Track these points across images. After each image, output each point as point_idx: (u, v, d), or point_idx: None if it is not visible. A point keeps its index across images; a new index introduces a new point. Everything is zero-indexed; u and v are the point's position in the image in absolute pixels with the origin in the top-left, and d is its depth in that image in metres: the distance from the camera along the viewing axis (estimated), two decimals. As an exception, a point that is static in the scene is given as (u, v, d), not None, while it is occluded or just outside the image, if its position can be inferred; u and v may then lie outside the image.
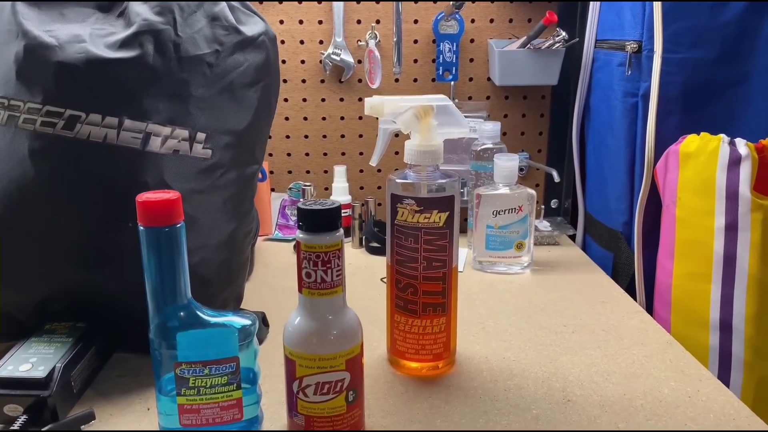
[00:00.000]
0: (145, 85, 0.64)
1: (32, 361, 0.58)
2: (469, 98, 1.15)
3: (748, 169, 0.76)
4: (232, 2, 0.73)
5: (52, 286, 0.66)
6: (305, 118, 1.16)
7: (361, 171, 1.20)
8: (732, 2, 0.83)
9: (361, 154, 1.19)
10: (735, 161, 0.77)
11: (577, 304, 0.84)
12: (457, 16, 1.09)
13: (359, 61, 1.13)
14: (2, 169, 0.64)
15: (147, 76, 0.64)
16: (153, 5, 0.67)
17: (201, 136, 0.67)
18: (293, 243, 1.07)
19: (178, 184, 0.65)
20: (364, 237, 1.08)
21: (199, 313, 0.52)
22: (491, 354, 0.71)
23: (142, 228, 0.49)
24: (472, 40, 1.13)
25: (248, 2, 0.76)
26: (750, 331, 0.77)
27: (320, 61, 1.13)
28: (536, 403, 0.61)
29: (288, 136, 1.17)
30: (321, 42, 1.13)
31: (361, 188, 1.20)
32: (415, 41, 1.13)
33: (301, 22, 1.12)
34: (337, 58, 1.11)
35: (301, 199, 1.11)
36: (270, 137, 1.06)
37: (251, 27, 0.73)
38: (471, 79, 1.15)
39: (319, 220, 0.50)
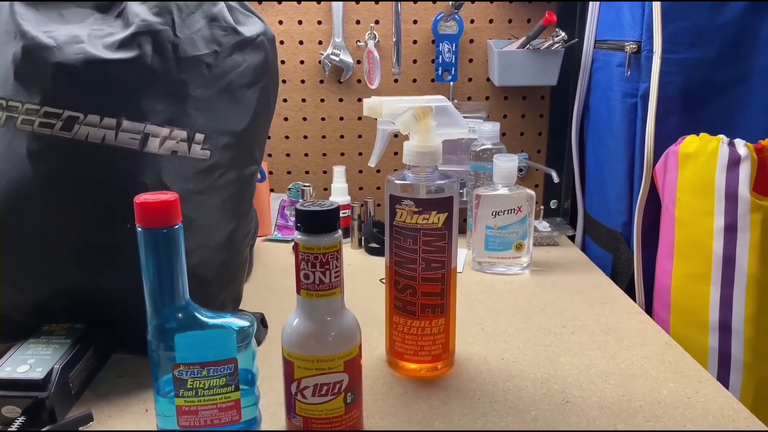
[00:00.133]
0: (143, 85, 0.64)
1: (30, 362, 0.58)
2: (469, 99, 1.15)
3: (747, 169, 0.76)
4: (231, 3, 0.73)
5: (51, 286, 0.66)
6: (304, 119, 1.16)
7: (360, 171, 1.19)
8: (731, 2, 0.83)
9: (360, 154, 1.19)
10: (734, 162, 0.77)
11: (577, 305, 0.84)
12: (456, 16, 1.09)
13: (358, 62, 1.13)
14: (1, 169, 0.63)
15: (145, 76, 0.64)
16: (151, 6, 0.67)
17: (199, 136, 0.67)
18: (292, 244, 1.07)
19: (177, 184, 0.65)
20: (363, 238, 1.08)
21: (197, 314, 0.52)
22: (490, 355, 0.71)
23: (140, 229, 0.49)
24: (471, 41, 1.13)
25: (247, 3, 0.76)
26: (749, 332, 0.77)
27: (319, 62, 1.13)
28: (535, 405, 0.61)
29: (287, 137, 1.17)
30: (320, 42, 1.12)
31: (360, 189, 1.20)
32: (415, 42, 1.13)
33: (300, 22, 1.12)
34: (336, 59, 1.11)
35: (300, 200, 1.11)
36: (269, 138, 1.05)
37: (250, 27, 0.73)
38: (470, 80, 1.15)
39: (317, 222, 0.50)
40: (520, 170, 1.11)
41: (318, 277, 0.51)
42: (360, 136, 1.18)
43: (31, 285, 0.66)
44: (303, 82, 1.14)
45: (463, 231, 1.06)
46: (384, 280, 0.68)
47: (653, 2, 0.85)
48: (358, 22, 1.11)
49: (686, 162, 0.81)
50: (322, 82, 1.14)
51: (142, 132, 0.64)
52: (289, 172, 1.19)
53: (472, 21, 1.12)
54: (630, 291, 0.92)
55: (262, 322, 0.75)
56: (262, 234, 1.09)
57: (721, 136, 0.79)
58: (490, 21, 1.12)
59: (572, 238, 1.14)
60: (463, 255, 1.01)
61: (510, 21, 1.12)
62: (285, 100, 1.15)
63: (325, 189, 1.17)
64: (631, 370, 0.67)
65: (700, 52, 0.85)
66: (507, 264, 0.96)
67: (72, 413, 0.59)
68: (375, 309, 0.76)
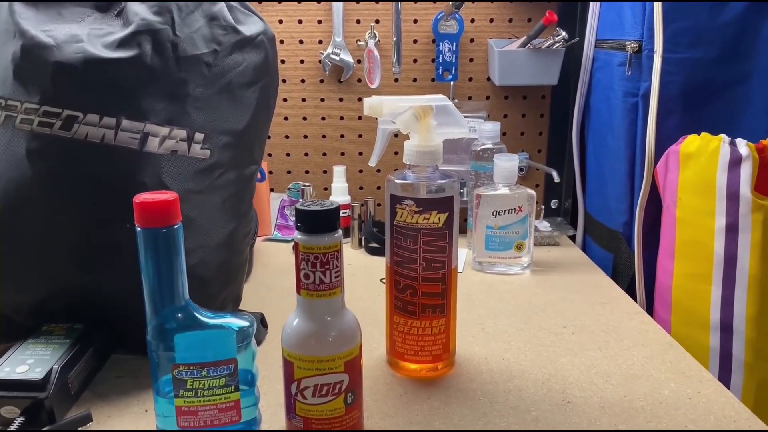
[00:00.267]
0: (142, 85, 0.64)
1: (29, 362, 0.58)
2: (469, 98, 1.15)
3: (748, 169, 0.76)
4: (231, 2, 0.73)
5: (51, 286, 0.66)
6: (304, 118, 1.16)
7: (361, 171, 1.19)
8: (732, 2, 0.83)
9: (360, 154, 1.18)
10: (735, 161, 0.77)
11: (577, 305, 0.84)
12: (456, 15, 1.08)
13: (359, 61, 1.12)
14: (0, 169, 0.63)
15: (145, 75, 0.64)
16: (151, 5, 0.66)
17: (199, 136, 0.67)
18: (292, 243, 1.07)
19: (177, 184, 0.65)
20: (363, 237, 1.07)
21: (196, 314, 0.52)
22: (491, 355, 0.71)
23: (139, 229, 0.49)
24: (471, 40, 1.13)
25: (247, 2, 0.76)
26: (750, 332, 0.77)
27: (319, 61, 1.13)
28: (536, 405, 0.61)
29: (287, 136, 1.17)
30: (320, 42, 1.12)
31: (361, 188, 1.20)
32: (415, 41, 1.12)
33: (300, 21, 1.11)
34: (337, 58, 1.11)
35: (300, 200, 1.11)
36: (269, 137, 1.05)
37: (250, 27, 0.73)
38: (471, 79, 1.15)
39: (317, 221, 0.50)
40: (520, 170, 1.11)
41: (318, 277, 0.50)
42: (360, 136, 1.18)
43: (31, 285, 0.66)
44: (303, 81, 1.14)
45: (463, 231, 1.06)
46: (384, 280, 0.67)
47: (654, 2, 0.85)
48: (358, 21, 1.11)
49: (687, 162, 0.81)
50: (322, 81, 1.14)
51: (142, 131, 0.64)
52: (289, 172, 1.19)
53: (472, 20, 1.11)
54: (631, 291, 0.92)
55: (262, 322, 0.75)
56: (262, 234, 1.08)
57: (723, 136, 0.79)
58: (491, 20, 1.12)
59: (573, 238, 1.14)
60: (463, 255, 1.01)
61: (510, 20, 1.12)
62: (285, 100, 1.15)
63: (326, 189, 1.17)
64: (632, 370, 0.67)
65: (700, 52, 0.85)
66: (507, 264, 0.96)
67: (71, 414, 0.59)
68: (375, 309, 0.75)
